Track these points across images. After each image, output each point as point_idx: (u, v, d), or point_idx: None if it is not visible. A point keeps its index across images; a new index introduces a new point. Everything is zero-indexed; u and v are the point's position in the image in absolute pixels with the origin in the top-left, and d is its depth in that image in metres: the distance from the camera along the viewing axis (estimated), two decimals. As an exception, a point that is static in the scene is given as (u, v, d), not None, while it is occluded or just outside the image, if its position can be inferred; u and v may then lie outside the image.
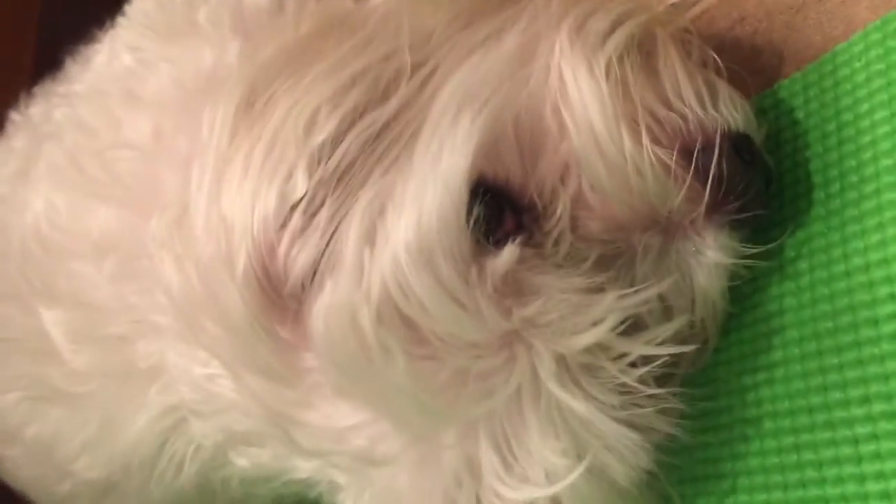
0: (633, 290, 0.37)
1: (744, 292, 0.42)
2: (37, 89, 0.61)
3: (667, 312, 0.39)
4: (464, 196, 0.36)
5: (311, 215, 0.37)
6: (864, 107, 0.40)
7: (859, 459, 0.36)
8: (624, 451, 0.38)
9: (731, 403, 0.42)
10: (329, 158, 0.38)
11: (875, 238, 0.37)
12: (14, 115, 0.61)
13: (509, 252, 0.36)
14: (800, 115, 0.43)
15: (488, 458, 0.38)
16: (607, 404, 0.37)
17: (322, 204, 0.37)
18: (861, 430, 0.36)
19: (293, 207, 0.37)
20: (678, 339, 0.39)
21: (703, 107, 0.40)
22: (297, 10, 0.46)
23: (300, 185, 0.37)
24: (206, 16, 0.49)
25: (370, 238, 0.36)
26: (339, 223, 0.37)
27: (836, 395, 0.37)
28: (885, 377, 0.36)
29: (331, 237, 0.37)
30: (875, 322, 0.36)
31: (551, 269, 0.38)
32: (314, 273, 0.37)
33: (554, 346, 0.36)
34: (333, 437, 0.40)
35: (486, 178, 0.38)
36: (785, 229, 0.41)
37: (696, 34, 0.44)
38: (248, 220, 0.38)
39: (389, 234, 0.36)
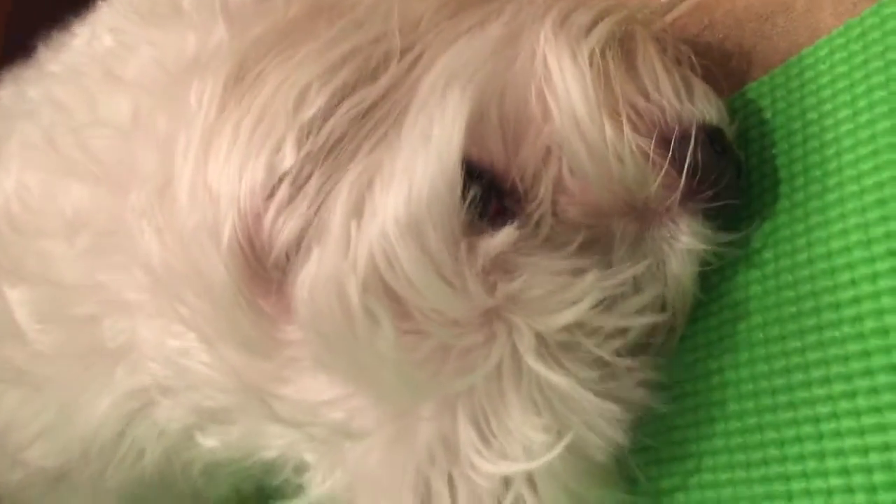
0: (611, 271, 0.39)
1: (712, 281, 0.44)
2: (4, 74, 0.61)
3: (639, 294, 0.41)
4: (457, 170, 0.37)
5: (298, 187, 0.38)
6: (828, 107, 0.42)
7: (820, 437, 0.38)
8: (602, 424, 0.39)
9: (697, 387, 0.43)
10: (318, 133, 0.38)
11: (837, 227, 0.39)
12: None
13: (507, 233, 0.37)
14: (767, 114, 0.45)
15: (466, 434, 0.39)
16: (586, 378, 0.38)
17: (310, 176, 0.38)
18: (822, 409, 0.38)
19: (281, 178, 0.38)
20: (649, 313, 0.40)
21: (679, 100, 0.42)
22: None
23: (289, 157, 0.38)
24: (191, 2, 0.50)
25: (358, 210, 0.37)
26: (327, 195, 0.38)
27: (798, 376, 0.39)
28: (845, 359, 0.38)
29: (318, 208, 0.38)
30: (836, 306, 0.38)
31: (534, 250, 0.39)
32: (300, 244, 0.38)
33: (535, 323, 0.38)
34: (309, 411, 0.40)
35: (471, 158, 0.40)
36: (752, 221, 0.43)
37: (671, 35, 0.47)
38: (235, 189, 0.38)
39: (377, 206, 0.37)
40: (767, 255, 0.42)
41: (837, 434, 0.38)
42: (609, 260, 0.41)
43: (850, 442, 0.37)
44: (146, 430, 0.48)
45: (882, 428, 0.36)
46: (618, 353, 0.39)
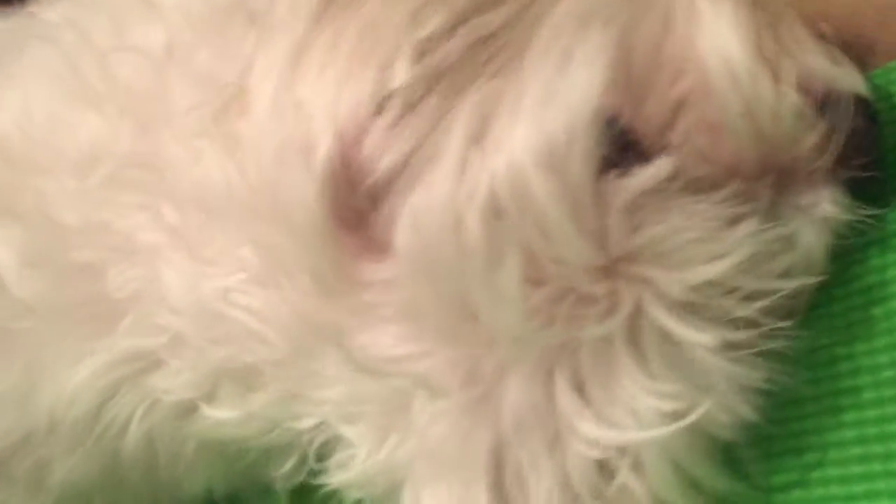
0: (769, 225, 0.36)
1: (838, 263, 0.41)
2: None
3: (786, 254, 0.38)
4: (600, 108, 0.33)
5: (410, 106, 0.34)
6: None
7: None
8: (734, 397, 0.35)
9: (820, 374, 0.40)
10: (433, 53, 0.35)
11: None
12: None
13: (659, 167, 0.34)
14: (891, 102, 0.44)
15: (565, 400, 0.34)
16: (719, 342, 0.34)
17: (423, 97, 0.34)
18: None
19: (391, 95, 0.34)
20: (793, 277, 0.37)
21: (832, 64, 0.39)
22: None
23: (401, 74, 0.34)
24: None
25: (480, 136, 0.33)
26: (442, 118, 0.34)
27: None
28: None
29: (430, 131, 0.34)
30: None
31: (678, 195, 0.36)
32: (404, 168, 0.34)
33: (671, 276, 0.34)
34: (387, 362, 0.35)
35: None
36: (888, 203, 0.41)
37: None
38: (334, 105, 0.34)
39: (505, 134, 0.33)
40: (908, 237, 0.40)
41: None
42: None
43: None
44: (133, 403, 0.43)
45: None
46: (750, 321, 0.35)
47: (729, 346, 0.34)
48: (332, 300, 0.35)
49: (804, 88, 0.38)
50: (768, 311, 0.36)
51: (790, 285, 0.36)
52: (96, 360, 0.42)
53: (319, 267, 0.35)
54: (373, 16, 0.35)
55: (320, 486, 0.40)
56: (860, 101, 0.39)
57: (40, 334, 0.43)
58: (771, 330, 0.36)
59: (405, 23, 0.35)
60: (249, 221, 0.35)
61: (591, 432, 0.34)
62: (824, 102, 0.38)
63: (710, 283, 0.34)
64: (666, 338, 0.34)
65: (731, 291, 0.35)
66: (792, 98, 0.37)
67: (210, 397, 0.40)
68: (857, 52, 0.47)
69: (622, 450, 0.35)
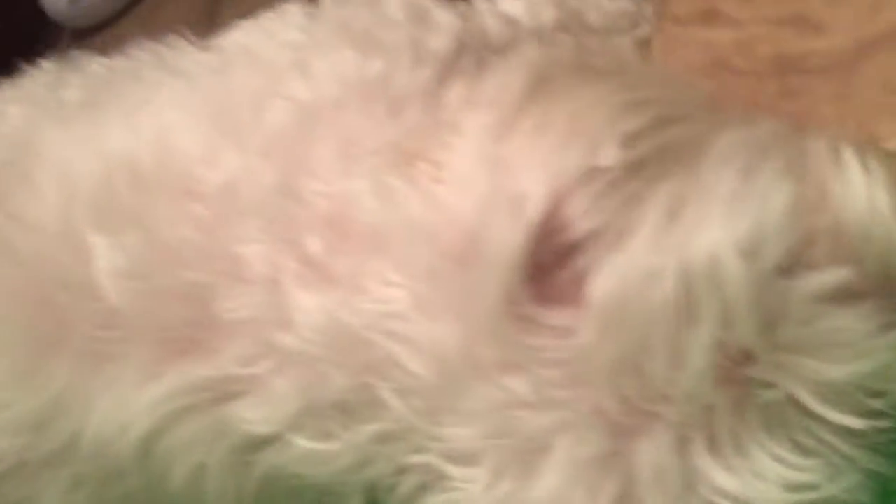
0: None
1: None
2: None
3: None
4: (790, 214, 0.36)
5: (612, 183, 0.37)
6: None
7: None
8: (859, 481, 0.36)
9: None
10: (635, 146, 0.38)
11: None
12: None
13: (833, 275, 0.36)
14: None
15: (702, 460, 0.36)
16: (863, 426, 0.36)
17: (624, 179, 0.37)
18: None
19: (598, 170, 0.37)
20: None
21: None
22: None
23: (608, 155, 0.37)
24: (392, 40, 0.50)
25: (673, 217, 0.36)
26: (639, 200, 0.37)
27: None
28: None
29: (627, 208, 0.37)
30: None
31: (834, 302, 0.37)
32: (601, 234, 0.37)
33: (827, 367, 0.36)
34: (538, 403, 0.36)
35: None
36: None
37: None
38: (545, 165, 0.37)
39: (699, 219, 0.36)
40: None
41: None
42: None
43: None
44: (194, 432, 0.42)
45: None
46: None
47: (865, 434, 0.36)
48: (499, 338, 0.37)
49: None
50: None
51: None
52: (165, 384, 0.41)
53: (498, 305, 0.36)
54: (580, 104, 0.39)
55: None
56: None
57: (113, 348, 0.43)
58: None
59: (612, 116, 0.38)
60: (424, 254, 0.37)
61: (724, 486, 0.35)
62: None
63: (860, 377, 0.36)
64: (808, 415, 0.36)
65: (876, 388, 0.37)
66: None
67: (301, 428, 0.40)
68: None
69: None
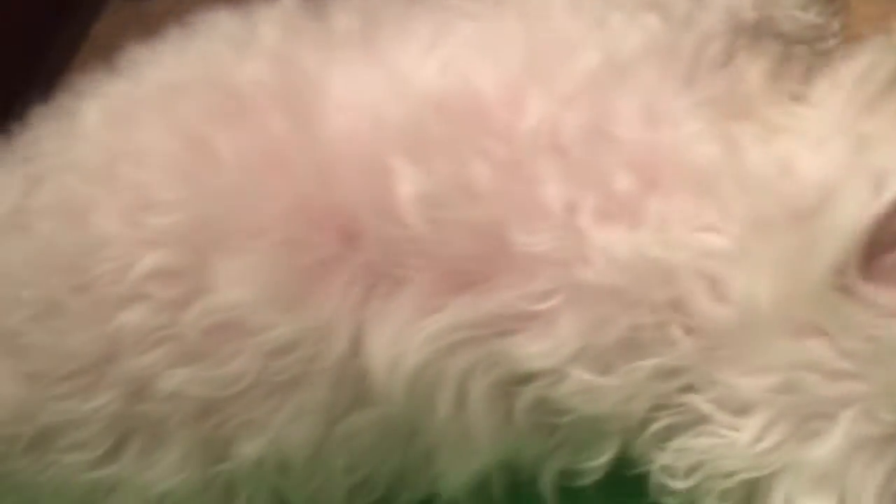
0: None
1: None
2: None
3: None
4: None
5: None
6: None
7: None
8: None
9: None
10: None
11: None
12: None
13: None
14: None
15: None
16: None
17: None
18: None
19: None
20: None
21: None
22: None
23: None
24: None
25: None
26: None
27: None
28: None
29: None
30: None
31: None
32: None
33: None
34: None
35: None
36: None
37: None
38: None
39: None
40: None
41: None
42: None
43: None
44: (467, 365, 0.44)
45: None
46: None
47: None
48: (818, 302, 0.38)
49: None
50: None
51: None
52: (444, 318, 0.43)
53: (828, 270, 0.37)
54: None
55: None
56: None
57: (399, 274, 0.44)
58: None
59: None
60: (759, 204, 0.39)
61: None
62: None
63: None
64: None
65: None
66: None
67: (581, 362, 0.41)
68: None
69: None
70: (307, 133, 0.47)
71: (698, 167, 0.41)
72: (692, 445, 0.40)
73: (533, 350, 0.42)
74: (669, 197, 0.41)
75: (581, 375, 0.41)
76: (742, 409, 0.39)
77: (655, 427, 0.41)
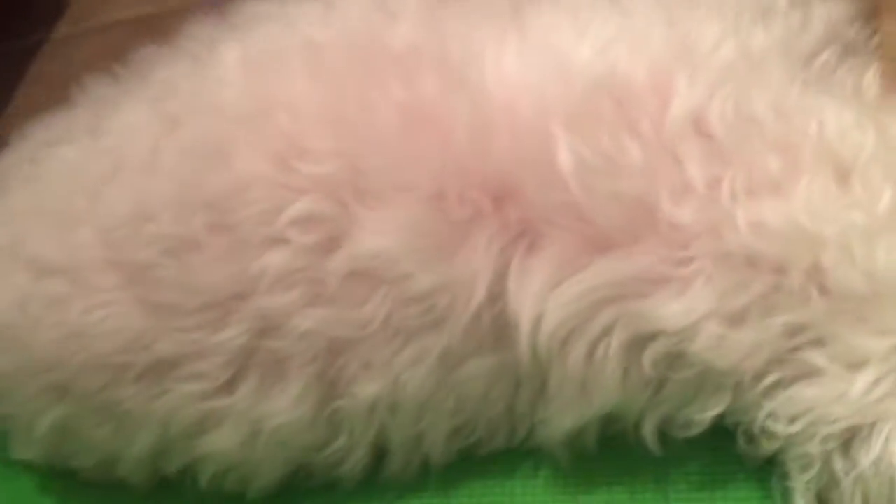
0: None
1: None
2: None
3: None
4: None
5: None
6: None
7: None
8: None
9: None
10: None
11: None
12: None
13: None
14: None
15: None
16: None
17: None
18: None
19: None
20: None
21: None
22: None
23: None
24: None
25: None
26: None
27: None
28: None
29: None
30: None
31: None
32: None
33: None
34: None
35: None
36: None
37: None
38: None
39: None
40: None
41: None
42: None
43: None
44: (604, 324, 0.47)
45: None
46: None
47: None
48: None
49: None
50: None
51: None
52: (585, 279, 0.46)
53: None
54: None
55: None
56: None
57: (548, 233, 0.48)
58: None
59: None
60: None
61: None
62: None
63: None
64: None
65: None
66: None
67: (716, 318, 0.44)
68: None
69: None
70: (462, 97, 0.49)
71: (846, 152, 0.46)
72: (802, 395, 0.44)
73: (670, 310, 0.45)
74: (815, 177, 0.45)
75: (714, 330, 0.44)
76: (856, 365, 0.43)
77: (769, 380, 0.45)
